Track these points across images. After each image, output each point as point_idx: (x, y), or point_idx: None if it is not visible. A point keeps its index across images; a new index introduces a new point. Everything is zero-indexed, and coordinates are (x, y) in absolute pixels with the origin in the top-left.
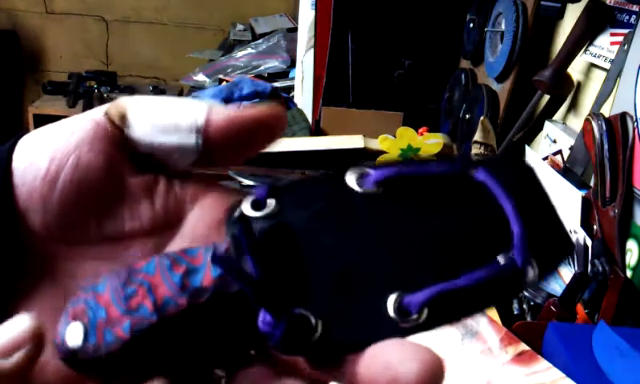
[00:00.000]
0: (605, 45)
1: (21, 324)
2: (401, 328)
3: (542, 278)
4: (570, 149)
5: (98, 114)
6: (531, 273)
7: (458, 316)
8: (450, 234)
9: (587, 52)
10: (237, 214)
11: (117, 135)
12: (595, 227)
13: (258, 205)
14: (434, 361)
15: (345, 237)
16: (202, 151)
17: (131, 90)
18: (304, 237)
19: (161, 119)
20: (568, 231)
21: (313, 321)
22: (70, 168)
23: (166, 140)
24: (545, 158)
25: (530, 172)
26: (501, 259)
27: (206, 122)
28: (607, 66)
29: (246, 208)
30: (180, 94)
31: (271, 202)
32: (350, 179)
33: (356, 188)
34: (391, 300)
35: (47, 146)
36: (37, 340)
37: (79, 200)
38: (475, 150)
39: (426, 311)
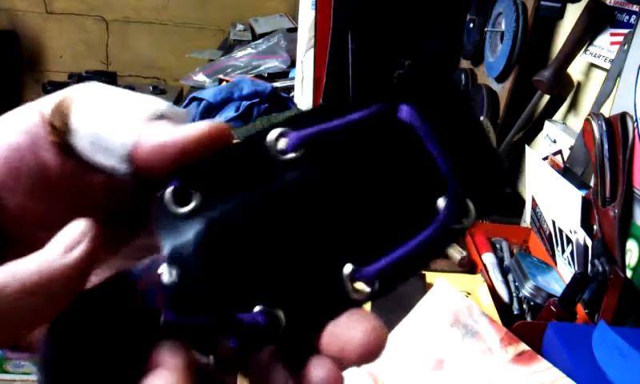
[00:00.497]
0: (605, 45)
1: (78, 225)
2: (355, 300)
3: (479, 215)
4: (570, 149)
5: (45, 106)
6: (470, 216)
7: (406, 277)
8: (385, 191)
9: (587, 52)
10: (163, 212)
11: (60, 140)
12: (595, 227)
13: (181, 197)
14: (378, 329)
15: (279, 219)
16: (136, 174)
17: (131, 90)
18: (239, 229)
19: (98, 137)
20: (500, 159)
21: (279, 314)
22: (21, 165)
23: (102, 160)
24: (545, 158)
25: (458, 98)
26: (440, 203)
27: (134, 150)
28: (607, 66)
29: (170, 202)
30: (180, 94)
31: (195, 194)
32: (271, 144)
33: (278, 156)
34: (345, 275)
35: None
36: (93, 235)
37: (38, 194)
38: None
39: (377, 282)
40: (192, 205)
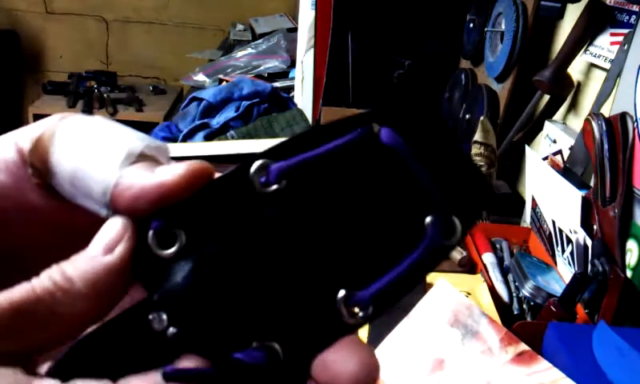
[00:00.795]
0: (605, 45)
1: (115, 223)
2: (350, 325)
3: (465, 233)
4: (570, 149)
5: (22, 140)
6: (457, 233)
7: (399, 298)
8: (372, 215)
9: (587, 52)
10: (146, 255)
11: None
12: (595, 227)
13: (163, 239)
14: (370, 362)
15: (267, 253)
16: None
17: (131, 90)
18: (227, 268)
19: (77, 181)
20: (484, 176)
21: (276, 347)
22: (6, 206)
23: (84, 202)
24: (545, 158)
25: (435, 118)
26: (428, 222)
27: (114, 196)
28: (607, 66)
29: (153, 244)
30: (180, 94)
31: (179, 233)
32: (254, 177)
33: (262, 189)
34: (339, 301)
35: None
36: (130, 233)
37: (27, 233)
38: (475, 150)
39: (371, 306)
40: (176, 246)
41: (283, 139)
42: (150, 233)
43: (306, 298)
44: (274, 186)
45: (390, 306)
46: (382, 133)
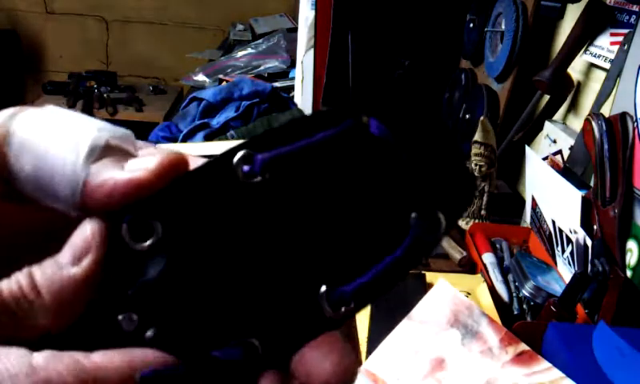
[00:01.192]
0: (605, 45)
1: (85, 230)
2: (331, 319)
3: (450, 227)
4: (570, 149)
5: None
6: (441, 229)
7: (382, 293)
8: (357, 209)
9: (587, 52)
10: (120, 249)
11: None
12: (595, 227)
13: (139, 231)
14: (347, 362)
15: (247, 246)
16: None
17: (131, 90)
18: (205, 262)
19: (41, 183)
20: (468, 169)
21: (255, 343)
22: None
23: (52, 204)
24: (545, 158)
25: (427, 115)
26: (412, 217)
27: (82, 196)
28: (607, 66)
29: (126, 236)
30: (180, 94)
31: (156, 225)
32: (236, 167)
33: (245, 179)
34: (320, 296)
35: None
36: (99, 242)
37: None
38: (475, 150)
39: (353, 302)
40: (152, 239)
41: (268, 128)
42: (124, 226)
43: (287, 293)
44: (258, 178)
45: (372, 301)
46: (371, 123)
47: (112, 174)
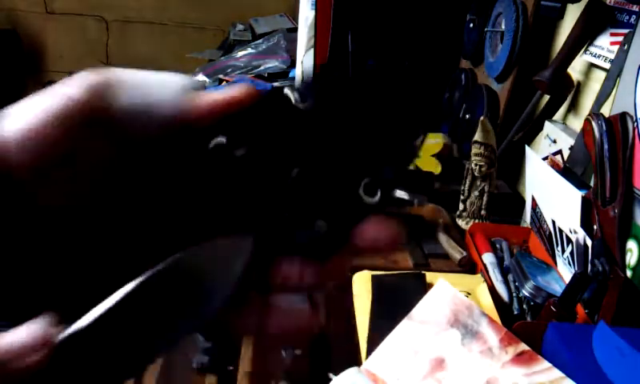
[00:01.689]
0: (605, 45)
1: (37, 329)
2: (372, 206)
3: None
4: (570, 149)
5: (74, 91)
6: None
7: (396, 184)
8: (377, 130)
9: (587, 52)
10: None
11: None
12: (595, 227)
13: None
14: (393, 228)
15: (310, 150)
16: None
17: None
18: (277, 162)
19: (146, 111)
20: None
21: (320, 224)
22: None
23: (148, 127)
24: (545, 158)
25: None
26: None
27: (190, 110)
28: (607, 66)
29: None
30: None
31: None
32: (289, 95)
33: (298, 105)
34: (360, 189)
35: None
36: (49, 344)
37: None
38: (475, 150)
39: (379, 193)
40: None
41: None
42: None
43: (338, 189)
44: (306, 103)
45: (391, 190)
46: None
47: (212, 94)
